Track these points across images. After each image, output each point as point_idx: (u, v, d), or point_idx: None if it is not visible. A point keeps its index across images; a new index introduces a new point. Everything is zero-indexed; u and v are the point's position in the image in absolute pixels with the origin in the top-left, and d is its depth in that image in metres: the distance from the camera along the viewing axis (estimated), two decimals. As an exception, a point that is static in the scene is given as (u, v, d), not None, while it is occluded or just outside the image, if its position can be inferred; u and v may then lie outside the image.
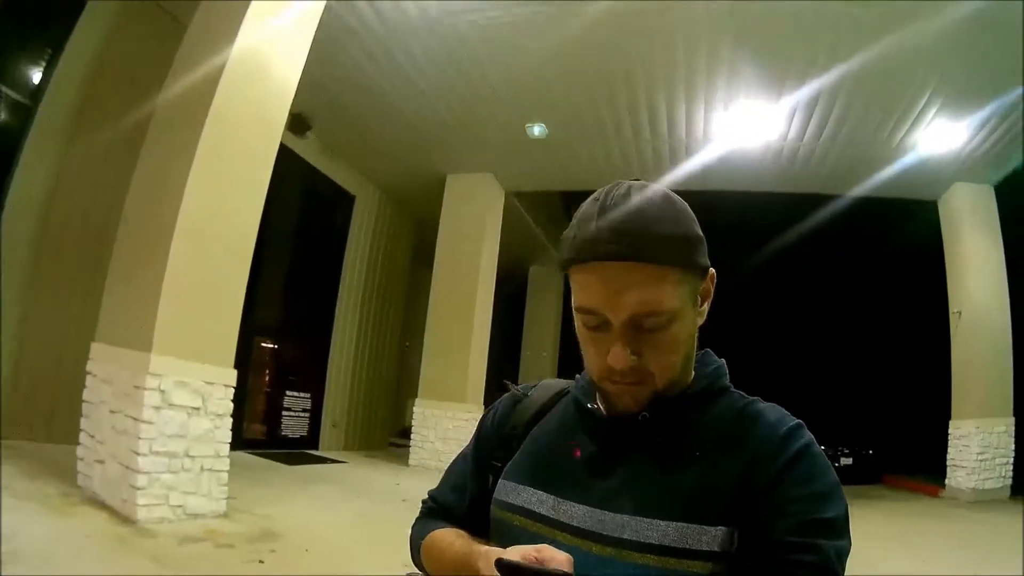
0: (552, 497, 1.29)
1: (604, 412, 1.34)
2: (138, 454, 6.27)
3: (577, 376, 1.49)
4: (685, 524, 1.14)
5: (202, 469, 6.90)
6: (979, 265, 13.74)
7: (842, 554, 1.11)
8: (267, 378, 14.09)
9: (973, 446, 12.91)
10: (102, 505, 6.38)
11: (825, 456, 1.22)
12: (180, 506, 6.61)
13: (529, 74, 11.15)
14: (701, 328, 1.34)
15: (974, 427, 12.98)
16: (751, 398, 1.36)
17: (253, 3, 7.45)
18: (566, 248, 1.26)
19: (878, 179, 13.46)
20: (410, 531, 1.57)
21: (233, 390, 7.35)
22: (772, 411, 1.30)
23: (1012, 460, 13.00)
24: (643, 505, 1.19)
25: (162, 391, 6.48)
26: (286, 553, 6.12)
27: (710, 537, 1.12)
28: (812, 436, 1.24)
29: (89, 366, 7.03)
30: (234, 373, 7.38)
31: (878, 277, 21.14)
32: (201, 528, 6.48)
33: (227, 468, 7.21)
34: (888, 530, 9.33)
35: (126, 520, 6.15)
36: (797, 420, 1.26)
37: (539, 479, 1.34)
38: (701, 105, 11.80)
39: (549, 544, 1.15)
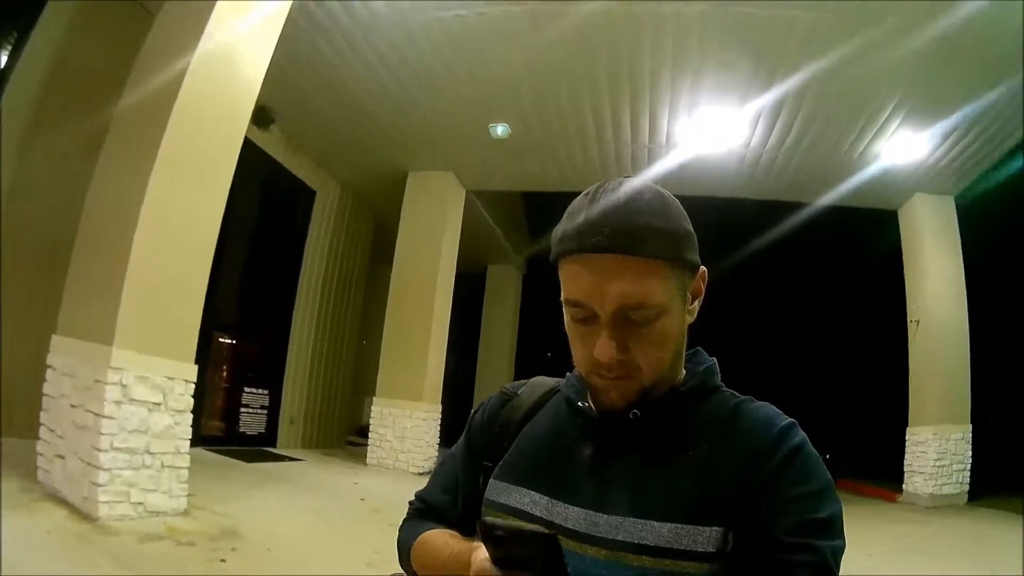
0: (545, 498, 1.29)
1: (596, 411, 1.33)
2: (99, 450, 6.20)
3: (568, 374, 1.48)
4: (680, 525, 1.14)
5: (163, 466, 6.83)
6: (938, 274, 13.91)
7: (838, 553, 1.11)
8: (225, 374, 13.93)
9: (930, 452, 13.09)
10: (63, 501, 6.32)
11: (818, 455, 1.22)
12: (141, 503, 6.54)
13: (494, 74, 11.17)
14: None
15: (932, 434, 13.16)
16: (743, 397, 1.36)
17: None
18: (556, 242, 1.27)
19: (840, 188, 13.62)
20: (398, 533, 1.54)
21: (194, 386, 7.29)
22: (765, 410, 1.30)
23: (969, 466, 13.19)
24: (637, 506, 1.18)
25: (123, 385, 6.41)
26: (247, 552, 6.11)
27: (705, 538, 1.12)
28: (805, 435, 1.23)
29: (49, 359, 6.93)
30: (195, 368, 7.32)
31: (838, 285, 21.40)
32: (162, 526, 6.44)
33: (187, 465, 7.14)
34: (846, 534, 9.50)
35: (87, 517, 6.10)
36: (790, 419, 1.26)
37: (531, 479, 1.33)
38: (665, 110, 11.86)
39: None
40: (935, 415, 13.32)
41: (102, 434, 6.23)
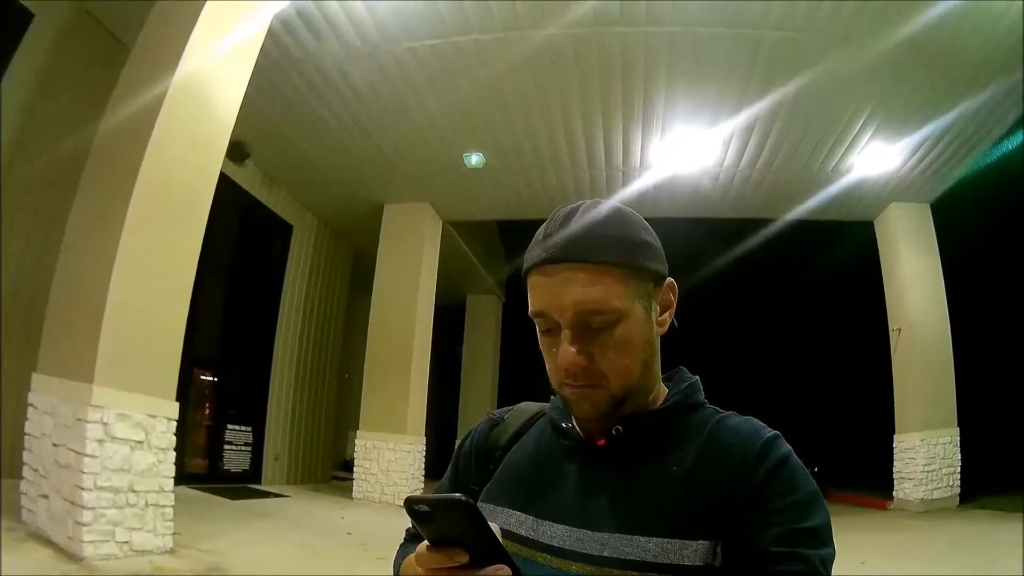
0: (531, 518, 1.29)
1: (579, 430, 1.34)
2: (82, 489, 6.16)
3: (552, 397, 1.47)
4: (666, 539, 1.13)
5: (147, 504, 6.78)
6: (917, 282, 14.10)
7: (828, 561, 1.10)
8: (207, 411, 13.87)
9: (919, 458, 13.22)
10: (47, 541, 6.28)
11: (804, 466, 1.21)
12: (126, 542, 6.49)
13: (466, 103, 11.26)
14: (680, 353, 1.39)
15: (919, 439, 13.29)
16: (726, 412, 1.35)
17: (195, 30, 7.44)
18: (524, 264, 1.30)
19: (815, 202, 13.81)
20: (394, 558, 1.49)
21: (176, 423, 7.24)
22: (748, 423, 1.30)
23: (959, 469, 13.30)
24: (623, 522, 1.18)
25: (105, 424, 6.37)
26: None
27: (691, 551, 1.12)
28: (790, 447, 1.23)
29: (30, 397, 6.90)
30: (176, 406, 7.28)
31: (818, 298, 21.63)
32: (148, 565, 6.41)
33: (172, 503, 7.09)
34: (838, 544, 9.58)
35: (72, 557, 6.06)
36: (774, 431, 1.26)
37: (517, 500, 1.34)
38: (638, 132, 12.00)
39: (530, 565, 1.20)
40: (921, 421, 13.48)
41: (85, 473, 6.18)
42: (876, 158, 12.43)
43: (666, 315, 1.34)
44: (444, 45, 9.79)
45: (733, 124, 11.43)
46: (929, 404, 13.53)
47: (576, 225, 1.24)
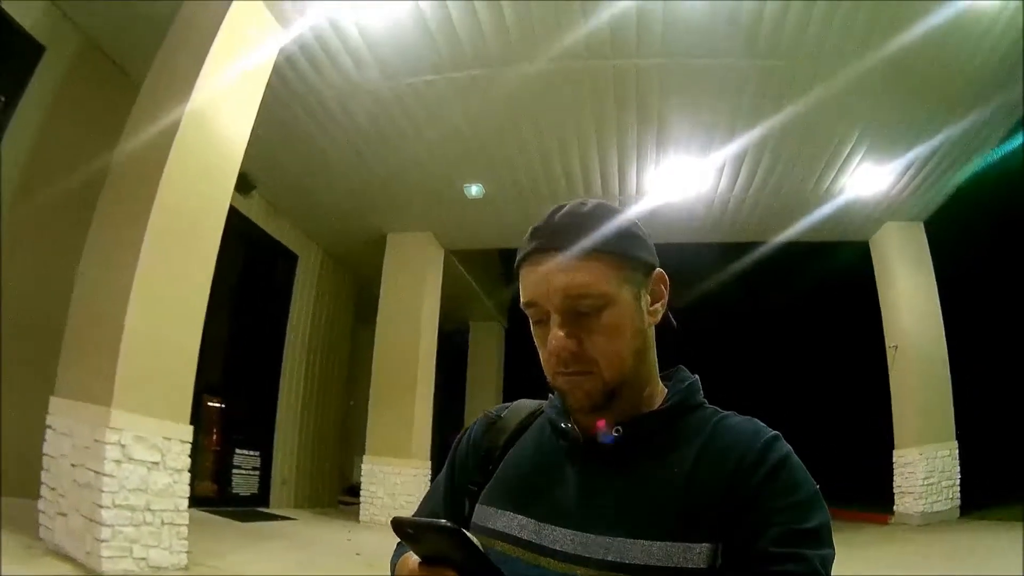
0: (533, 521, 1.30)
1: (579, 431, 1.34)
2: (101, 507, 6.36)
3: (550, 396, 1.48)
4: (670, 543, 1.14)
5: (162, 523, 6.99)
6: (913, 299, 14.19)
7: (827, 562, 1.12)
8: (216, 436, 14.00)
9: (918, 472, 13.25)
10: (66, 557, 6.44)
11: (804, 466, 1.23)
12: (143, 559, 6.70)
13: (465, 136, 11.50)
14: (682, 355, 1.46)
15: (918, 453, 13.33)
16: (726, 412, 1.37)
17: (206, 64, 7.71)
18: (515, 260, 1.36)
19: (810, 223, 13.89)
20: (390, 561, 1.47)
21: (190, 446, 7.47)
22: (748, 423, 1.32)
23: (958, 482, 13.32)
24: (626, 526, 1.19)
25: (122, 445, 6.59)
26: None
27: (695, 555, 1.13)
28: (790, 447, 1.25)
29: (49, 419, 7.06)
30: (190, 429, 7.50)
31: (817, 317, 21.71)
32: None
33: (186, 522, 7.30)
34: (839, 561, 9.69)
35: (91, 572, 6.25)
36: (774, 431, 1.28)
37: (519, 503, 1.34)
38: (633, 161, 12.23)
39: (534, 570, 1.23)
40: (920, 435, 13.52)
41: (103, 492, 6.39)
42: (868, 179, 12.61)
43: (658, 306, 1.37)
44: (441, 80, 10.05)
45: (725, 151, 11.63)
46: (927, 419, 13.62)
47: (563, 218, 1.30)
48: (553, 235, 1.28)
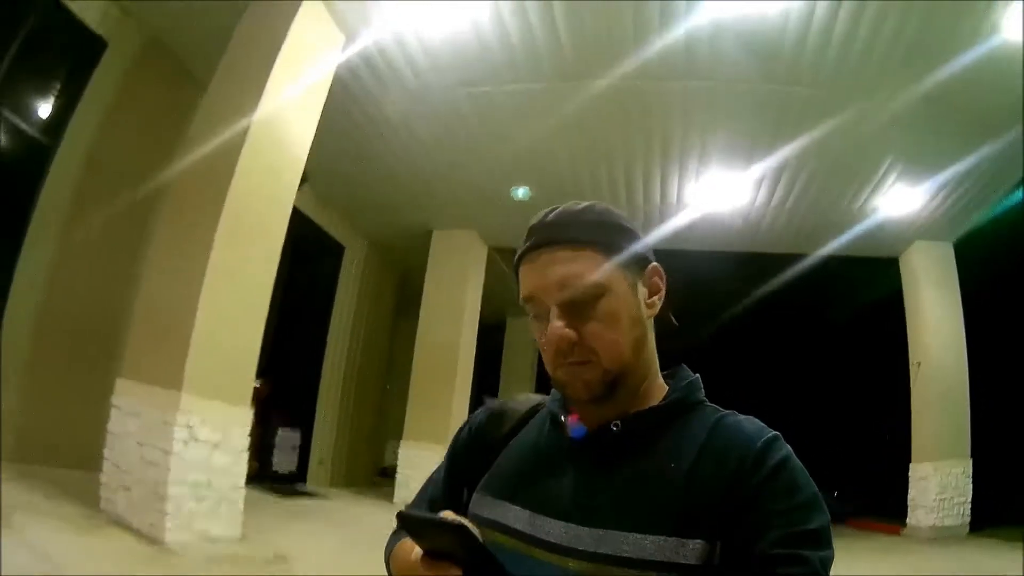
0: (527, 512, 1.30)
1: (580, 425, 1.36)
2: (167, 483, 6.87)
3: (553, 390, 1.48)
4: (664, 537, 1.14)
5: (221, 498, 7.52)
6: (938, 317, 14.19)
7: (827, 563, 1.12)
8: (260, 415, 14.21)
9: (932, 487, 13.27)
10: (127, 528, 6.86)
11: (804, 467, 1.23)
12: (203, 530, 7.21)
13: (516, 143, 11.80)
14: (684, 354, 1.48)
15: (932, 469, 13.35)
16: (726, 411, 1.36)
17: (273, 71, 8.14)
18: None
19: (842, 240, 14.01)
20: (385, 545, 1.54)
21: (248, 428, 8.02)
22: (749, 423, 1.31)
23: (970, 499, 13.34)
24: (620, 519, 1.19)
25: (189, 427, 7.11)
26: (302, 572, 6.87)
27: (689, 550, 1.13)
28: (790, 448, 1.24)
29: (114, 399, 7.54)
30: (250, 413, 8.06)
31: (844, 330, 21.57)
32: (223, 551, 7.11)
33: (242, 498, 7.85)
34: (851, 566, 9.90)
35: (154, 542, 6.69)
36: (774, 432, 1.27)
37: (515, 494, 1.35)
38: (675, 174, 12.55)
39: (526, 560, 1.24)
40: (936, 451, 13.55)
41: (170, 469, 6.92)
42: (900, 199, 12.76)
43: (655, 299, 1.38)
44: (496, 92, 10.42)
45: (764, 167, 11.89)
46: (944, 436, 13.67)
47: (557, 216, 1.35)
48: (548, 231, 1.34)
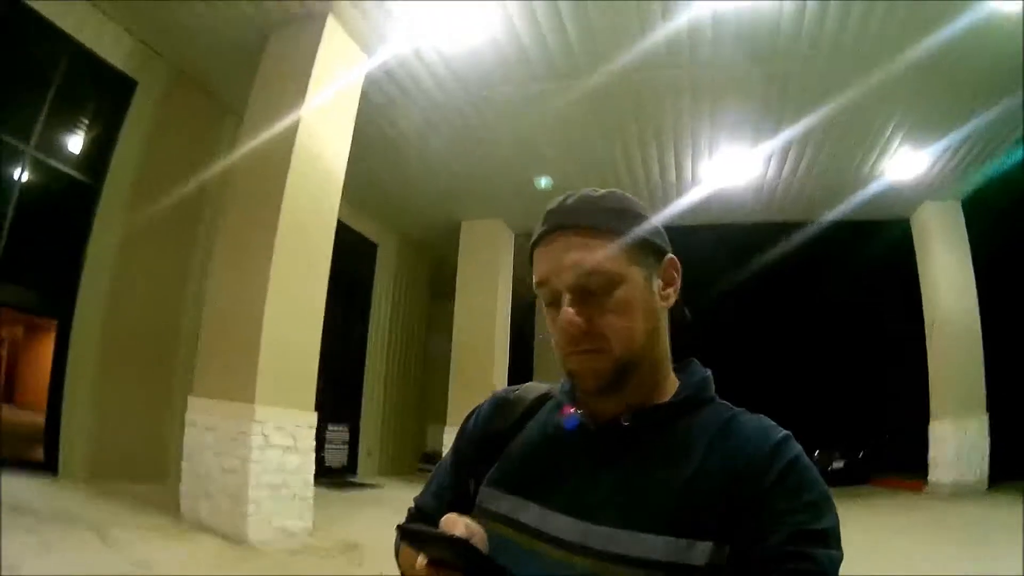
0: (536, 507, 1.28)
1: (588, 418, 1.33)
2: (248, 487, 7.51)
3: (562, 381, 1.45)
4: (674, 539, 1.13)
5: (294, 496, 8.16)
6: (950, 276, 14.41)
7: (836, 563, 1.10)
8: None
9: (951, 443, 13.52)
10: (212, 531, 7.47)
11: (814, 467, 1.21)
12: (281, 527, 7.85)
13: (536, 136, 12.33)
14: (696, 348, 1.44)
15: (951, 426, 13.57)
16: (737, 409, 1.33)
17: (308, 95, 8.69)
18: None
19: (852, 204, 14.28)
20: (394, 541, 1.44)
21: (315, 430, 8.64)
22: (759, 422, 1.28)
23: (988, 454, 13.51)
24: (630, 518, 1.18)
25: (264, 435, 7.75)
26: (374, 558, 7.30)
27: (698, 551, 1.11)
28: (800, 447, 1.22)
29: (188, 416, 8.20)
30: (315, 416, 8.68)
31: (860, 293, 21.78)
32: (300, 544, 7.76)
33: (312, 495, 8.48)
34: (872, 521, 10.13)
35: (239, 541, 7.32)
36: (785, 431, 1.25)
37: (523, 487, 1.33)
38: (688, 152, 12.99)
39: (535, 556, 1.23)
40: (954, 408, 13.74)
41: (249, 474, 7.55)
42: (907, 162, 12.95)
43: (670, 291, 1.34)
44: (515, 93, 10.90)
45: (773, 142, 12.27)
46: (961, 392, 13.81)
47: (575, 202, 1.30)
48: (565, 216, 1.28)
